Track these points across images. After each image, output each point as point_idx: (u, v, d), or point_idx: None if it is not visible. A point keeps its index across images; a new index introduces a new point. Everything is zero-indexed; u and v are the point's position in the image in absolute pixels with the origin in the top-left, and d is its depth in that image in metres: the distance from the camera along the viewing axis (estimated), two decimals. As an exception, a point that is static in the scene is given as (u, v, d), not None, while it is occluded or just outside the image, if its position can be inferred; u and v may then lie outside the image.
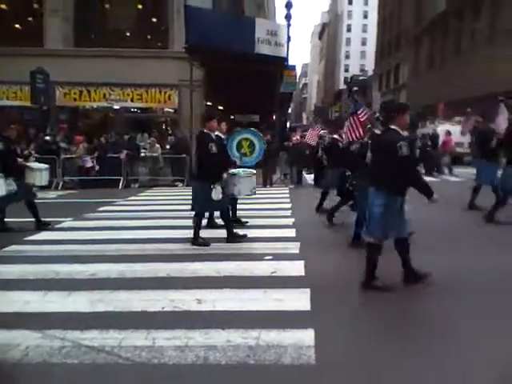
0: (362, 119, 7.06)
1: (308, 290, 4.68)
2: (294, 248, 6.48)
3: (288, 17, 16.19)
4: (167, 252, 6.34)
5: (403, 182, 4.63)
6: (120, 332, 3.77)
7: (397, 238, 4.81)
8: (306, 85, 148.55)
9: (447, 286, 4.88)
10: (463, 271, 5.37)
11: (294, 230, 7.69)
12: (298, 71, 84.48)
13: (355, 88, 7.73)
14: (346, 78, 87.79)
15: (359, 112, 7.12)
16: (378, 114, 6.47)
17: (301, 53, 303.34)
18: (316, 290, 4.69)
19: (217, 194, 6.51)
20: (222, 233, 6.98)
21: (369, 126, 6.84)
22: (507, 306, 4.34)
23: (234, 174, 6.94)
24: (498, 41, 28.78)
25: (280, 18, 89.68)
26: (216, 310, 4.26)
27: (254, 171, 7.45)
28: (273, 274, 5.30)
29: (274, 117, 19.63)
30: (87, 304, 4.42)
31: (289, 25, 16.08)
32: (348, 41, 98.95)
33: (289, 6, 16.22)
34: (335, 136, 9.26)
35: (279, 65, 16.46)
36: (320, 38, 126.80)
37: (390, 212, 4.64)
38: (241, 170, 7.33)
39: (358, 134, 7.07)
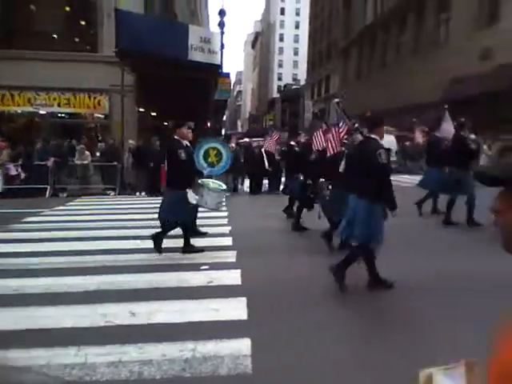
0: (341, 133, 7.04)
1: (244, 299, 4.65)
2: (230, 257, 6.44)
3: (221, 24, 16.27)
4: (97, 264, 6.08)
5: (381, 189, 4.81)
6: (48, 350, 3.56)
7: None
8: (240, 92, 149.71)
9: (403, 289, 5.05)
10: (419, 273, 5.56)
11: (230, 238, 7.65)
12: (233, 79, 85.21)
13: (336, 100, 7.78)
14: (279, 87, 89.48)
15: (340, 125, 7.13)
16: (357, 125, 6.80)
17: (235, 60, 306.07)
18: (252, 298, 4.68)
19: (192, 197, 6.40)
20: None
21: (345, 138, 6.99)
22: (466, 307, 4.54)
23: (202, 185, 6.72)
24: (421, 54, 30.53)
25: (214, 26, 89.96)
26: (151, 323, 4.13)
27: (225, 186, 7.22)
28: (209, 284, 5.23)
29: (209, 124, 19.59)
30: (11, 321, 4.14)
31: (222, 32, 16.18)
32: (281, 50, 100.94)
33: (222, 13, 16.31)
34: (292, 142, 9.41)
35: (213, 72, 16.47)
36: (253, 46, 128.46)
37: (376, 217, 4.85)
38: (210, 181, 7.15)
39: (334, 146, 7.06)
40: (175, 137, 6.60)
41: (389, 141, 21.38)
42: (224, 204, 11.80)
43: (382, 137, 5.10)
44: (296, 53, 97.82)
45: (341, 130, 7.06)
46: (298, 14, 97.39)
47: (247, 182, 15.47)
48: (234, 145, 15.79)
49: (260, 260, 6.29)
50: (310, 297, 4.80)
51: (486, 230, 7.53)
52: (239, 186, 15.55)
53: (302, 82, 73.92)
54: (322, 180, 7.15)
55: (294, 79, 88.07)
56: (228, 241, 7.45)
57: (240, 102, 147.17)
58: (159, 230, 6.63)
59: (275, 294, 4.89)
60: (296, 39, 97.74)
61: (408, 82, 29.07)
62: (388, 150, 5.56)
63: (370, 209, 4.81)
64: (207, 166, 8.29)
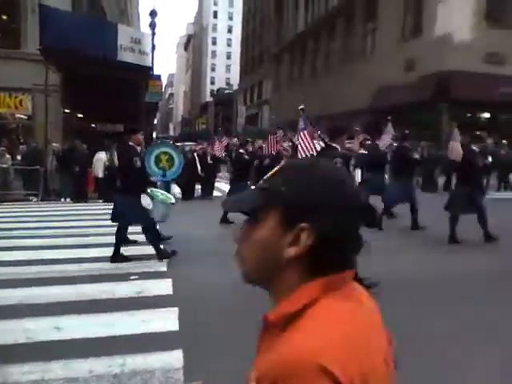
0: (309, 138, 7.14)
1: (176, 310, 4.53)
2: (161, 266, 6.28)
3: (152, 25, 15.96)
4: (16, 276, 5.70)
5: None
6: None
7: None
8: (172, 95, 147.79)
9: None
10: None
11: (161, 246, 7.46)
12: (164, 81, 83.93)
13: (301, 106, 7.87)
14: (212, 91, 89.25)
15: (307, 129, 7.23)
16: (319, 133, 7.27)
17: (167, 62, 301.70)
18: (184, 308, 4.56)
19: (145, 203, 6.40)
20: (81, 252, 6.49)
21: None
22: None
23: (152, 196, 6.63)
24: (350, 62, 31.66)
25: (144, 27, 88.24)
26: (77, 338, 3.92)
27: (174, 200, 7.06)
28: (139, 295, 5.05)
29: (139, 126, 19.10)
30: None
31: (153, 33, 15.85)
32: (214, 53, 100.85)
33: (153, 14, 16.00)
34: (241, 150, 9.74)
35: (144, 73, 16.09)
36: (186, 48, 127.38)
37: None
38: (160, 192, 7.02)
39: (310, 149, 7.02)
40: (130, 143, 6.47)
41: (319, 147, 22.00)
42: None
43: (343, 146, 5.43)
44: (229, 57, 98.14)
45: (309, 135, 7.21)
46: (230, 18, 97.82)
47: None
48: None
49: (192, 268, 6.18)
50: (246, 304, 4.75)
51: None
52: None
53: (235, 87, 74.25)
54: None
55: (227, 83, 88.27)
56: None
57: (172, 104, 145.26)
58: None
59: (208, 304, 4.81)
60: (229, 43, 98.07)
61: (338, 90, 30.02)
62: (349, 158, 5.81)
63: None
64: (159, 172, 8.07)
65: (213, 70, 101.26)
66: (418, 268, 6.22)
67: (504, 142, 16.81)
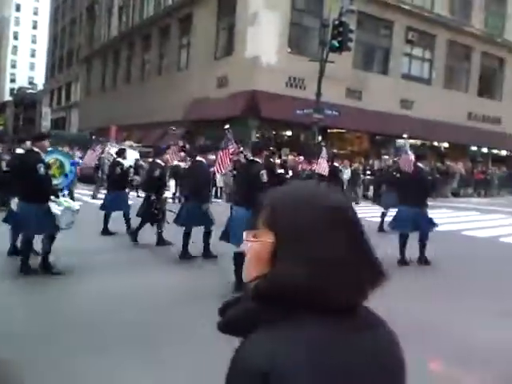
0: (230, 154, 8.08)
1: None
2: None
3: None
4: None
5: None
6: None
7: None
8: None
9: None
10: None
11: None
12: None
13: (227, 126, 8.68)
14: (12, 89, 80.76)
15: (230, 147, 7.97)
16: (242, 149, 8.37)
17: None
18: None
19: (54, 208, 6.25)
20: None
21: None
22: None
23: (57, 203, 6.45)
24: (166, 74, 31.74)
25: None
26: None
27: (77, 207, 6.77)
28: None
29: None
30: None
31: None
32: (15, 49, 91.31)
33: None
34: (119, 159, 9.84)
35: None
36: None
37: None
38: (63, 199, 6.81)
39: (224, 166, 8.07)
40: (34, 149, 6.30)
41: (132, 156, 21.37)
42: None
43: (262, 159, 6.24)
44: (33, 55, 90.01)
45: (231, 152, 8.09)
46: (36, 13, 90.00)
47: None
48: None
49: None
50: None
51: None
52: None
53: (40, 87, 68.24)
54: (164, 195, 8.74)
55: (31, 83, 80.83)
56: None
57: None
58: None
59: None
60: (34, 40, 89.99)
61: (154, 100, 29.81)
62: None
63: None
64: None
65: (13, 67, 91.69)
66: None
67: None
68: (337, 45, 17.34)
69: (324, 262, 0.85)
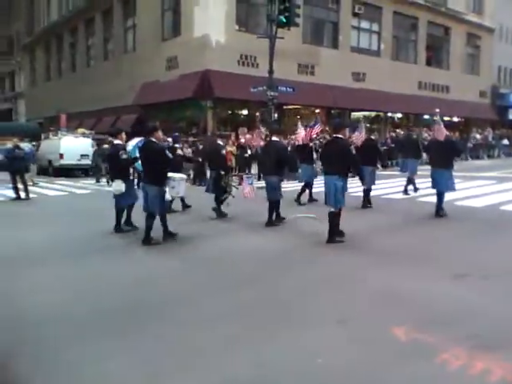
0: (316, 132, 11.54)
1: None
2: None
3: None
4: None
5: (349, 169, 7.25)
6: None
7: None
8: None
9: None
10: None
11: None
12: None
13: (318, 110, 9.24)
14: None
15: (317, 127, 11.24)
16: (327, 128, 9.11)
17: None
18: None
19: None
20: None
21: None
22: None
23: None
24: (112, 58, 30.73)
25: None
26: None
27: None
28: None
29: None
30: None
31: None
32: None
33: None
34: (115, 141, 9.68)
35: None
36: None
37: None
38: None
39: (306, 139, 11.12)
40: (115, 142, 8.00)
41: (85, 143, 20.77)
42: None
43: (345, 136, 7.37)
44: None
45: (318, 131, 11.55)
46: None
47: None
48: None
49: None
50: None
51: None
52: None
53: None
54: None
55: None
56: None
57: None
58: None
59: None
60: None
61: (102, 86, 28.88)
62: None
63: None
64: None
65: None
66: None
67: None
68: (284, 20, 17.14)
69: None
